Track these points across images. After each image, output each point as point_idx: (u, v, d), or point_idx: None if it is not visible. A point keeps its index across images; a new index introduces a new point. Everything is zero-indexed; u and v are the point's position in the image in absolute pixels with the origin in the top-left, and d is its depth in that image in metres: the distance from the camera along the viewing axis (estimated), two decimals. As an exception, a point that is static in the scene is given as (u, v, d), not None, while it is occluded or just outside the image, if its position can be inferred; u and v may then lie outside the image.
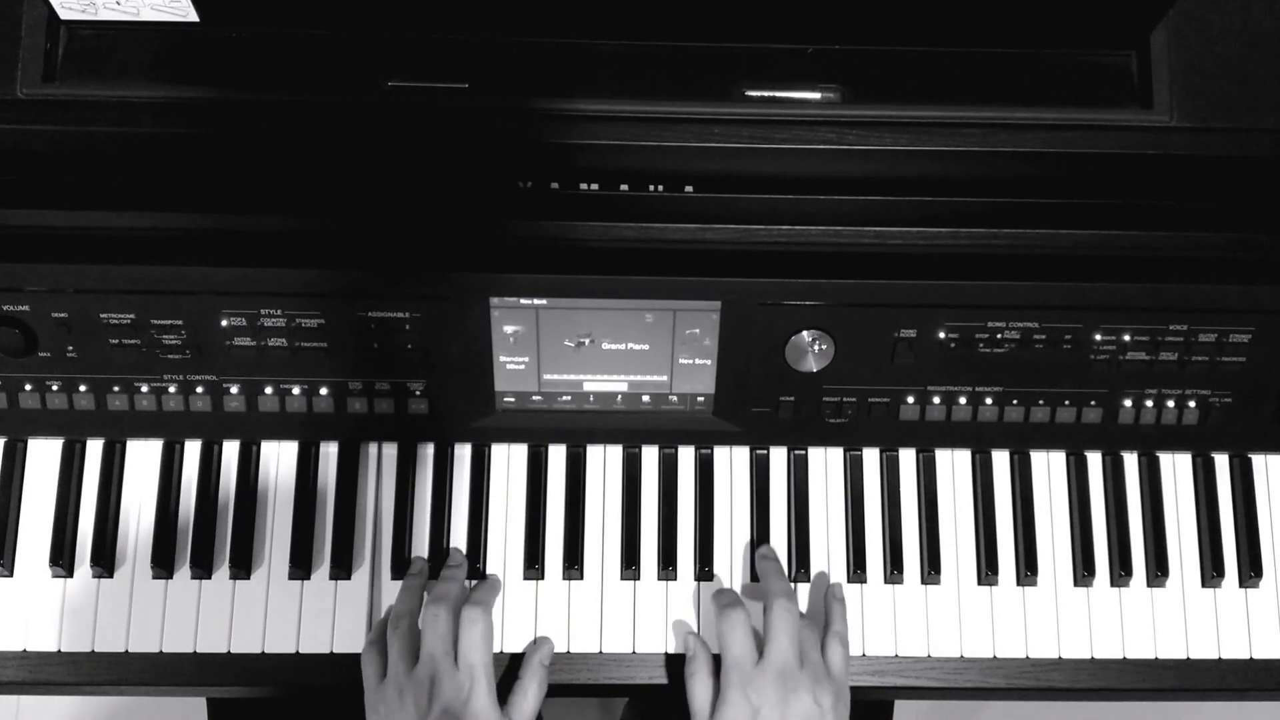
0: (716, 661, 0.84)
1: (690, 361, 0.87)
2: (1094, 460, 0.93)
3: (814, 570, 0.91)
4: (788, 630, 0.83)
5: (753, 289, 0.83)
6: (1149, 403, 0.89)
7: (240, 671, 0.87)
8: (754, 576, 0.90)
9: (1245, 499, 0.93)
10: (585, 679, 0.88)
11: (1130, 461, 0.94)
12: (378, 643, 0.86)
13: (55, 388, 0.86)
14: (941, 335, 0.85)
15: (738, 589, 0.90)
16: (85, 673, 0.87)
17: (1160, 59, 0.82)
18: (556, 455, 0.93)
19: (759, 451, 0.93)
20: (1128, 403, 0.89)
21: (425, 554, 0.90)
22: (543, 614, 0.89)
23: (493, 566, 0.90)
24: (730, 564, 0.91)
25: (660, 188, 0.83)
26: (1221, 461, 0.94)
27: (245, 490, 0.90)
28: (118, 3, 0.78)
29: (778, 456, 0.93)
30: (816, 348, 0.85)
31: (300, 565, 0.88)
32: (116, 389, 0.87)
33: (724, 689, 0.82)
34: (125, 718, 1.65)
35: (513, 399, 0.89)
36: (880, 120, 0.81)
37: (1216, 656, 0.90)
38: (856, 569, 0.90)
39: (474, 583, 0.89)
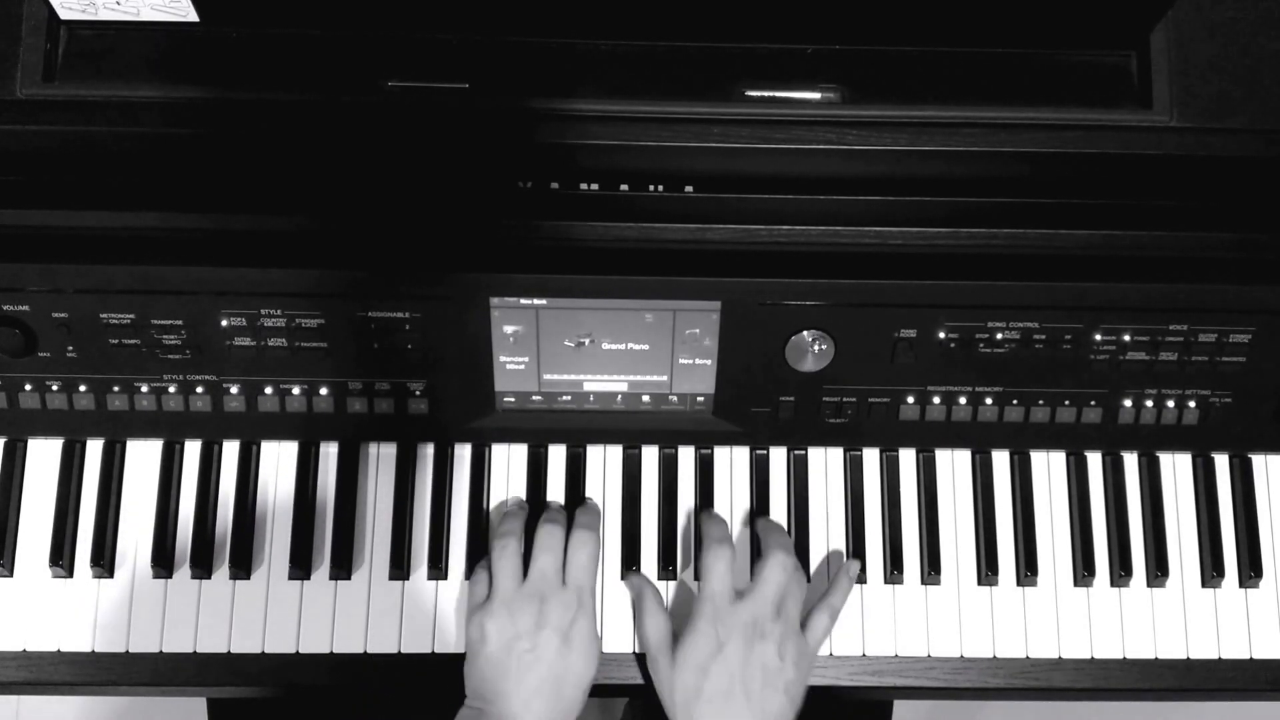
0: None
1: (690, 361, 0.87)
2: (1094, 460, 0.93)
3: (813, 569, 0.91)
4: (776, 582, 0.84)
5: (753, 289, 0.83)
6: (1149, 403, 0.89)
7: (240, 671, 0.87)
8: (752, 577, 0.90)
9: (1245, 499, 0.93)
10: (585, 679, 0.88)
11: (1130, 461, 0.94)
12: (485, 567, 0.87)
13: (55, 388, 0.86)
14: (941, 335, 0.85)
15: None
16: (85, 673, 0.87)
17: (1160, 59, 0.82)
18: (556, 455, 0.93)
19: (759, 451, 0.93)
20: (1128, 403, 0.89)
21: (424, 555, 0.90)
22: (543, 614, 0.89)
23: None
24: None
25: (660, 188, 0.83)
26: (1221, 461, 0.94)
27: (245, 490, 0.90)
28: (118, 3, 0.78)
29: (778, 456, 0.93)
30: (816, 348, 0.85)
31: (300, 565, 0.88)
32: (116, 389, 0.86)
33: (694, 618, 0.83)
34: (125, 718, 1.65)
35: (513, 399, 0.89)
36: (880, 120, 0.81)
37: (1216, 656, 0.90)
38: (856, 569, 0.90)
39: None
